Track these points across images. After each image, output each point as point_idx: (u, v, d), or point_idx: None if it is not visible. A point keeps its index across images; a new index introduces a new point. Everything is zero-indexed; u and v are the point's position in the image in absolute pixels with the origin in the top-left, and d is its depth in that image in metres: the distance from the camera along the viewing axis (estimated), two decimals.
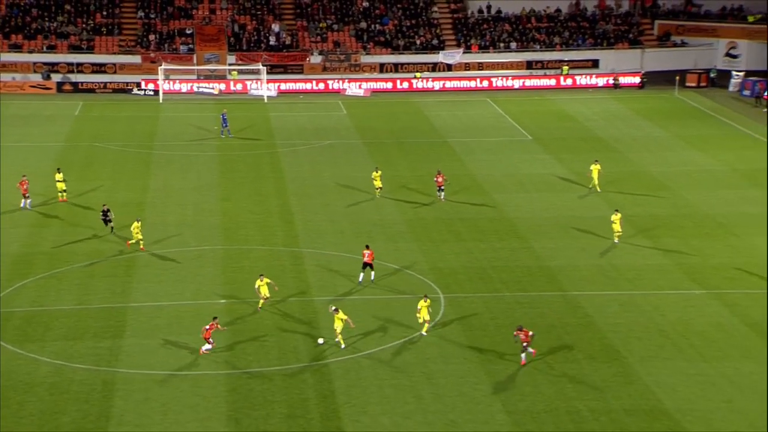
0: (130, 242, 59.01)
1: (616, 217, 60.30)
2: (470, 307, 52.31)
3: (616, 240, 60.54)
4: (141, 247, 58.84)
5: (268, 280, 50.75)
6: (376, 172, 70.13)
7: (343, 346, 46.55)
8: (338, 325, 46.32)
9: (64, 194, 68.09)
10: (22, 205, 66.23)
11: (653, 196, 70.94)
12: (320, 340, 46.88)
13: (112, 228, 60.92)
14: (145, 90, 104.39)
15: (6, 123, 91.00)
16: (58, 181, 68.02)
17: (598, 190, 69.97)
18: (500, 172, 77.11)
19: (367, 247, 55.31)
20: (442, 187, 66.90)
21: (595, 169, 70.75)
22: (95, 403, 42.51)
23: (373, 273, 54.81)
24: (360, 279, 54.83)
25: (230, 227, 64.45)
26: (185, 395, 43.18)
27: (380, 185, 69.38)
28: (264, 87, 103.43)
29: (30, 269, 56.91)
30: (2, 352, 46.89)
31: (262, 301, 50.86)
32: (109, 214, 60.63)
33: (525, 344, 44.97)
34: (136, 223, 58.72)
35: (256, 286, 50.50)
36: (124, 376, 44.78)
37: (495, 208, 68.36)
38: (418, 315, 47.96)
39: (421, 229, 63.74)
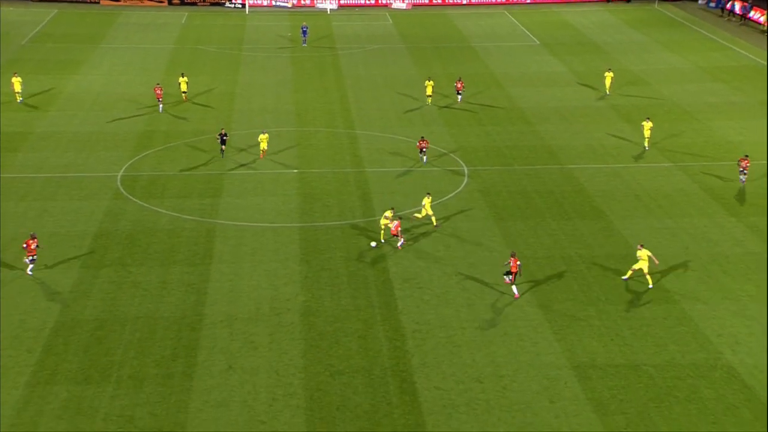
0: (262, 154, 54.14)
1: (647, 125, 55.66)
2: (488, 177, 52.74)
3: (646, 146, 56.23)
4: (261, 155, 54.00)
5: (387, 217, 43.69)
6: (429, 81, 65.24)
7: (401, 242, 43.14)
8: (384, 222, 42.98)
9: (184, 95, 65.15)
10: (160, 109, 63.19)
11: (634, 89, 70.26)
12: (372, 244, 43.18)
13: (222, 151, 54.21)
14: (235, 3, 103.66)
15: (130, 29, 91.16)
16: (181, 82, 64.70)
17: (608, 93, 68.71)
18: (513, 71, 76.48)
19: (423, 138, 53.80)
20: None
21: (608, 76, 67.73)
22: (201, 245, 43.82)
23: (425, 157, 53.86)
24: (424, 160, 53.66)
25: (301, 113, 64.84)
26: (269, 241, 44.32)
27: (430, 93, 64.39)
28: (327, 1, 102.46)
29: (150, 143, 57.92)
30: (133, 205, 48.28)
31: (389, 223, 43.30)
32: (225, 137, 54.15)
33: (512, 273, 38.09)
34: (262, 135, 53.91)
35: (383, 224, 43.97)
36: (222, 226, 45.95)
37: (509, 99, 68.10)
38: (421, 214, 44.99)
39: (450, 116, 63.79)
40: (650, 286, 39.27)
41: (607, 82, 67.60)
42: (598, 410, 31.34)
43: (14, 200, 48.75)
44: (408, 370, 33.75)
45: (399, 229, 42.73)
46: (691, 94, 69.32)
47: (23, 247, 40.05)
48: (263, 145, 53.54)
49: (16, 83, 65.19)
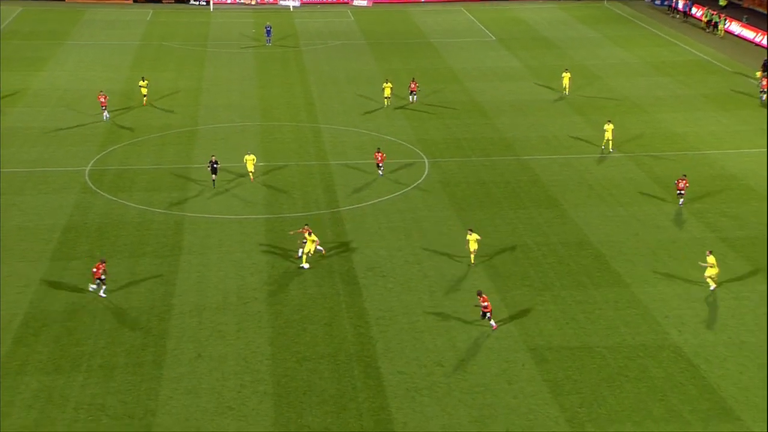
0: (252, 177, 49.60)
1: (609, 127, 54.46)
2: (447, 168, 52.88)
3: (610, 148, 54.49)
4: (251, 178, 49.47)
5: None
6: (387, 83, 63.41)
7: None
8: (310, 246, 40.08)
9: (145, 99, 62.79)
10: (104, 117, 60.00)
11: (586, 83, 70.78)
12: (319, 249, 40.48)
13: (214, 181, 48.62)
14: (199, 1, 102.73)
15: (96, 26, 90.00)
16: (141, 86, 62.90)
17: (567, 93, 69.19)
18: (471, 66, 76.64)
19: (379, 150, 50.55)
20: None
21: (566, 76, 66.58)
22: (170, 237, 43.49)
23: (381, 171, 50.42)
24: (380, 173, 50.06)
25: (266, 108, 64.50)
26: (235, 233, 44.10)
27: (388, 95, 62.23)
28: None
29: (118, 138, 57.27)
30: (101, 199, 47.73)
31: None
32: (216, 165, 48.27)
33: (484, 312, 35.04)
34: (247, 156, 49.30)
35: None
36: (190, 218, 45.62)
37: (467, 93, 68.25)
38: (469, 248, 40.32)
39: (410, 111, 63.80)
40: (712, 287, 38.35)
41: (565, 81, 66.82)
42: (553, 390, 31.61)
43: None
44: (372, 355, 33.77)
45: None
46: (640, 87, 69.98)
47: (93, 272, 37.52)
48: (250, 167, 48.93)
49: None
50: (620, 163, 53.75)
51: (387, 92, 63.06)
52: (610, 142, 54.69)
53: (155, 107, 63.59)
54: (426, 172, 51.97)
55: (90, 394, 31.29)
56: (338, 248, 42.38)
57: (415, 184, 50.03)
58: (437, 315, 36.54)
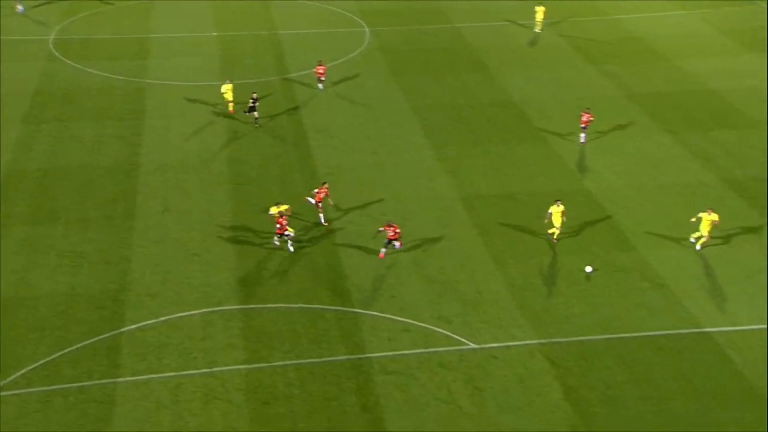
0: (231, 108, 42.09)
1: (540, 9, 51.59)
2: (386, 37, 52.51)
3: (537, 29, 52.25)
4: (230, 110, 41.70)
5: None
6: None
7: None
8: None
9: None
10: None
11: None
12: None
13: (257, 119, 40.51)
14: None
15: None
16: None
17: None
18: None
19: (320, 63, 44.45)
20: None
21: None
22: (133, 103, 42.96)
23: (321, 85, 44.72)
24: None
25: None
26: (195, 98, 43.51)
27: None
28: None
29: (79, 9, 55.47)
30: (67, 66, 46.71)
31: None
32: (256, 103, 40.27)
33: (390, 240, 30.55)
34: (225, 86, 41.64)
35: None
36: (151, 85, 44.93)
37: None
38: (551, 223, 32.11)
39: None
40: (699, 243, 31.67)
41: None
42: (482, 233, 32.87)
43: None
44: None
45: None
46: None
47: (277, 226, 31.15)
48: (228, 96, 41.32)
49: None
50: (545, 34, 53.84)
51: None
52: (539, 24, 53.37)
53: None
54: (367, 40, 51.61)
55: (70, 242, 31.78)
56: (289, 111, 42.44)
57: (357, 52, 49.80)
58: (380, 171, 37.29)
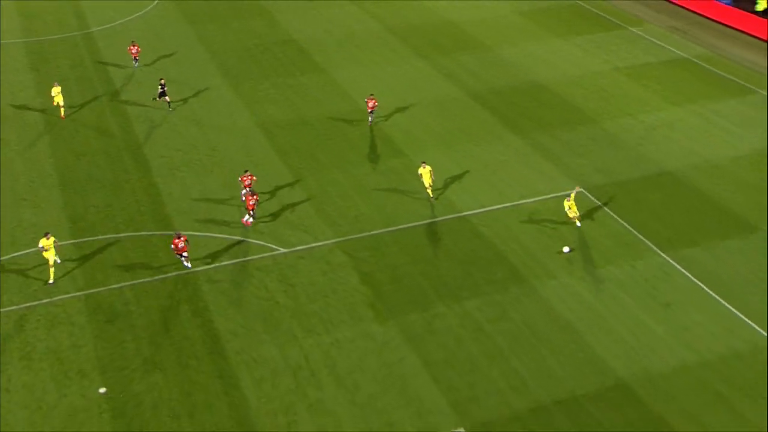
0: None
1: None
2: None
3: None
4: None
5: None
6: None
7: None
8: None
9: None
10: None
11: None
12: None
13: (169, 103, 36.42)
14: None
15: None
16: None
17: None
18: None
19: (134, 42, 40.31)
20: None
21: None
22: None
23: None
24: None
25: None
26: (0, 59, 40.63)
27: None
28: None
29: None
30: None
31: None
32: (165, 88, 36.25)
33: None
34: (55, 88, 35.53)
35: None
36: None
37: None
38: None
39: None
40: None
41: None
42: (280, 155, 33.11)
43: None
44: (137, 144, 33.72)
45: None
46: None
47: (171, 249, 26.64)
48: (58, 99, 35.18)
49: None
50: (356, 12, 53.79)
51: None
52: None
53: None
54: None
55: None
56: (94, 57, 40.62)
57: (153, 5, 48.00)
58: (183, 108, 36.91)
